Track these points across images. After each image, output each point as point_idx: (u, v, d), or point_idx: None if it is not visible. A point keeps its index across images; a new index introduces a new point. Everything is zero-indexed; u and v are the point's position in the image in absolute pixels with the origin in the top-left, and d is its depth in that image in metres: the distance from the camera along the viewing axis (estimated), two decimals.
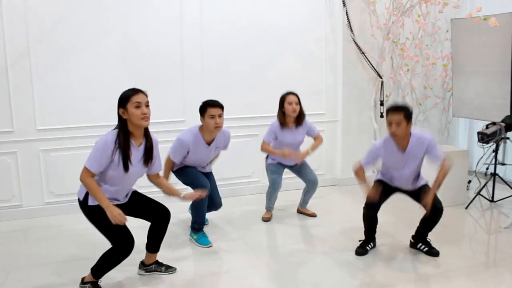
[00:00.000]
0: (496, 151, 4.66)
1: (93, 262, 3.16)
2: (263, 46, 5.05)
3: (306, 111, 4.27)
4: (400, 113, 3.24)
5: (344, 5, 5.24)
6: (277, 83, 4.98)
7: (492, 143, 4.45)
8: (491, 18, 4.30)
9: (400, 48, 5.51)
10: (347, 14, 5.25)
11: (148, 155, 2.93)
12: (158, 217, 3.09)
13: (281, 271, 3.29)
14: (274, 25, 5.08)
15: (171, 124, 4.74)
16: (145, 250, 3.22)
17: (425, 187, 3.49)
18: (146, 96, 2.84)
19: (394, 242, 3.77)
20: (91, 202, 2.83)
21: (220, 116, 3.59)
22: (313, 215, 4.45)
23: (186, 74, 4.80)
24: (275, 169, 4.26)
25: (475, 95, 5.01)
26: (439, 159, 3.40)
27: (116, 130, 2.82)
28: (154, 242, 3.17)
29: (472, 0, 5.63)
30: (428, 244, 3.55)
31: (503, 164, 4.97)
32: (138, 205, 3.08)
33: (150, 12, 4.62)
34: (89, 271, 2.94)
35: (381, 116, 5.56)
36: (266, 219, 4.34)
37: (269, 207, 4.41)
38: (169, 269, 3.24)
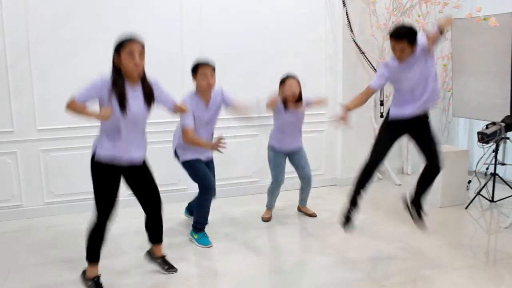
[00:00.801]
0: (496, 151, 4.66)
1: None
2: (263, 45, 5.05)
3: (306, 110, 4.26)
4: (403, 41, 3.13)
5: (344, 5, 5.24)
6: (277, 83, 4.97)
7: (492, 143, 4.45)
8: (491, 18, 4.30)
9: None
10: (347, 14, 5.25)
11: (148, 94, 2.88)
12: (149, 206, 3.08)
13: (281, 271, 3.29)
14: (274, 24, 5.08)
15: (170, 124, 4.73)
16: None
17: (431, 136, 3.43)
18: (142, 44, 2.78)
19: (394, 242, 3.77)
20: (96, 158, 2.87)
21: (212, 75, 3.55)
22: (313, 215, 4.45)
23: (186, 74, 4.78)
24: (277, 160, 4.20)
25: (475, 95, 5.01)
26: (434, 28, 3.22)
27: (109, 75, 2.80)
28: (152, 233, 3.19)
29: (472, 0, 5.63)
30: (419, 207, 3.55)
31: (503, 164, 4.97)
32: (139, 183, 3.04)
33: (150, 12, 4.62)
34: (89, 281, 3.00)
35: (381, 116, 5.56)
36: (266, 219, 4.33)
37: (270, 205, 4.40)
38: (170, 269, 3.23)
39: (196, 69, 3.57)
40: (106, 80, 2.75)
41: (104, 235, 2.96)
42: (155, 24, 4.64)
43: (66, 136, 4.46)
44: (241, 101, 3.77)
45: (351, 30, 5.30)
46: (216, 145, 3.47)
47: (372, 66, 5.44)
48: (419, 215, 3.57)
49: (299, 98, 4.10)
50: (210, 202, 3.73)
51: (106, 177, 2.87)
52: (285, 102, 4.08)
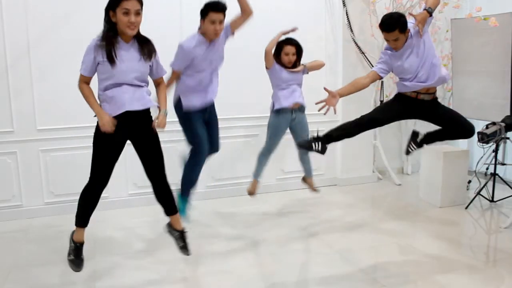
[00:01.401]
0: (496, 151, 4.66)
1: (93, 262, 3.17)
2: (263, 45, 5.03)
3: (306, 110, 4.27)
4: (395, 31, 3.17)
5: (344, 5, 5.24)
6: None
7: (492, 143, 4.45)
8: (491, 18, 4.30)
9: None
10: (347, 14, 5.25)
11: (145, 47, 2.86)
12: (152, 174, 3.00)
13: (280, 271, 3.29)
14: (274, 24, 5.06)
15: (170, 124, 4.71)
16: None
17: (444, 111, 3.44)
18: (140, 2, 2.74)
19: (393, 242, 3.77)
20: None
21: (221, 22, 3.36)
22: (315, 190, 4.44)
23: None
24: (277, 130, 4.15)
25: (475, 95, 5.01)
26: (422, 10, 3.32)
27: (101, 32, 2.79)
28: (163, 204, 3.09)
29: (472, 0, 5.63)
30: (420, 145, 3.61)
31: (503, 164, 4.97)
32: (144, 147, 2.98)
33: (150, 12, 4.58)
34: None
35: None
36: (251, 192, 4.25)
37: (257, 174, 4.30)
38: (183, 249, 3.13)
39: (205, 12, 3.35)
40: (97, 39, 2.77)
41: (96, 200, 2.97)
42: (155, 25, 4.62)
43: (66, 136, 4.46)
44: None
45: (351, 30, 5.30)
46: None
47: (372, 66, 5.44)
48: (416, 144, 3.60)
49: (296, 62, 4.11)
50: (200, 165, 3.55)
51: (110, 135, 2.83)
52: (282, 65, 4.09)
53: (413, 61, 3.31)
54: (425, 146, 3.58)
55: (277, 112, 4.17)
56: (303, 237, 3.98)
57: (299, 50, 4.13)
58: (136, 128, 2.93)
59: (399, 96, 3.54)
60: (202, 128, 3.60)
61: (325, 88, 3.34)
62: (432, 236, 3.83)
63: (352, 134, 3.42)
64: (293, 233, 4.04)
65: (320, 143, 3.40)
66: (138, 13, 2.73)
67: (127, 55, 2.80)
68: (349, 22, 5.28)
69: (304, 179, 4.56)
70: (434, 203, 4.65)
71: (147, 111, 2.97)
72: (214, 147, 3.81)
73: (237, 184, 5.12)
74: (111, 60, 2.74)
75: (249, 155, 4.93)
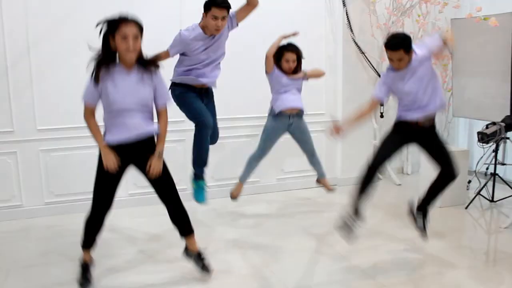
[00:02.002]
0: (496, 151, 4.66)
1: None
2: (263, 46, 5.02)
3: (306, 111, 4.27)
4: (400, 50, 3.11)
5: (344, 5, 5.24)
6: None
7: (492, 143, 4.45)
8: (491, 18, 4.30)
9: None
10: (347, 14, 5.25)
11: (146, 69, 2.79)
12: (167, 197, 2.95)
13: (280, 271, 3.29)
14: (274, 24, 5.07)
15: (171, 124, 4.72)
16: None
17: (442, 145, 3.40)
18: (138, 25, 2.71)
19: (393, 241, 3.77)
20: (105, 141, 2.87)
21: (224, 18, 3.30)
22: (330, 190, 4.48)
23: None
24: (272, 134, 4.12)
25: (475, 95, 5.01)
26: (437, 41, 3.27)
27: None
28: (178, 226, 3.04)
29: (472, 0, 5.63)
30: (425, 214, 3.49)
31: (503, 164, 4.97)
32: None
33: (150, 12, 4.61)
34: (79, 266, 3.05)
35: (381, 116, 5.56)
36: (234, 196, 4.20)
37: (244, 178, 4.25)
38: (204, 269, 3.09)
39: (208, 7, 3.28)
40: (95, 65, 2.77)
41: (98, 225, 2.95)
42: (155, 25, 4.63)
43: (66, 136, 4.46)
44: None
45: (351, 30, 5.30)
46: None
47: (372, 66, 5.44)
48: (423, 223, 3.50)
49: (296, 69, 4.10)
50: (206, 138, 3.46)
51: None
52: (282, 71, 4.08)
53: (414, 85, 3.25)
54: (428, 210, 3.52)
55: (274, 116, 4.15)
56: (303, 237, 3.98)
57: (299, 57, 4.11)
58: (138, 155, 2.88)
59: (398, 125, 3.46)
60: (199, 102, 3.50)
61: (331, 120, 3.35)
62: (432, 236, 3.83)
63: (365, 188, 3.40)
64: (293, 233, 4.04)
65: (351, 218, 3.38)
66: (137, 38, 2.70)
67: (125, 80, 2.75)
68: (349, 22, 5.28)
69: (318, 181, 4.58)
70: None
71: (149, 138, 2.91)
72: (213, 136, 3.72)
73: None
74: (96, 77, 2.73)
75: (247, 155, 4.93)
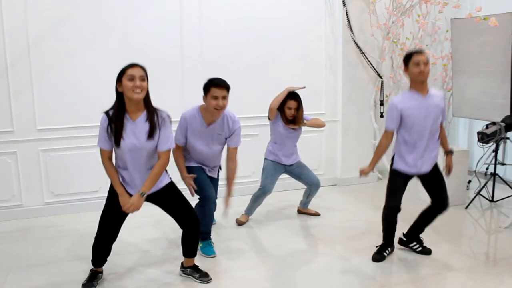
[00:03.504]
0: (496, 151, 4.66)
1: None
2: (263, 46, 5.05)
3: (306, 111, 4.27)
4: (425, 55, 3.21)
5: (344, 5, 5.24)
6: (277, 83, 4.97)
7: (492, 143, 4.45)
8: (491, 18, 4.30)
9: (400, 48, 5.52)
10: (347, 14, 5.25)
11: (150, 127, 2.80)
12: (187, 225, 3.02)
13: (280, 271, 3.29)
14: (274, 25, 5.08)
15: (174, 125, 4.73)
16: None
17: (438, 169, 3.44)
18: (144, 70, 2.78)
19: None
20: None
21: (224, 98, 3.32)
22: (316, 214, 4.46)
23: (186, 75, 4.80)
24: (272, 172, 4.20)
25: (475, 95, 5.01)
26: (444, 119, 3.40)
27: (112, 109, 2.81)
28: (186, 248, 3.12)
29: (472, 0, 5.63)
30: (421, 242, 3.56)
31: (503, 164, 4.97)
32: (170, 203, 3.01)
33: (150, 12, 4.62)
34: (89, 271, 3.05)
35: (381, 116, 5.56)
36: (240, 223, 4.25)
37: (250, 212, 4.34)
38: (202, 277, 3.13)
39: (208, 88, 3.35)
40: (106, 117, 2.80)
41: (107, 249, 3.04)
42: (155, 24, 4.64)
43: (66, 136, 4.46)
44: (233, 166, 3.60)
45: (351, 30, 5.30)
46: (187, 181, 3.44)
47: (372, 66, 5.44)
48: (423, 247, 3.56)
49: (297, 120, 4.11)
50: (210, 211, 3.58)
51: (116, 201, 2.87)
52: (283, 118, 4.10)
53: (430, 119, 3.24)
54: (421, 238, 3.60)
55: (271, 160, 4.23)
56: (303, 237, 3.98)
57: (300, 105, 4.10)
58: (154, 197, 2.96)
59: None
60: (204, 175, 3.59)
61: (361, 172, 3.40)
62: (432, 236, 3.83)
63: (393, 217, 3.43)
64: (293, 233, 4.04)
65: (388, 248, 3.51)
66: (143, 79, 2.75)
67: (131, 136, 2.79)
68: (349, 22, 5.28)
69: (299, 210, 4.57)
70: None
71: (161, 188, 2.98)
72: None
73: (238, 184, 5.10)
74: (117, 141, 2.77)
75: (249, 155, 4.93)
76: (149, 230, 4.07)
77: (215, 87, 3.30)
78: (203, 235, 3.60)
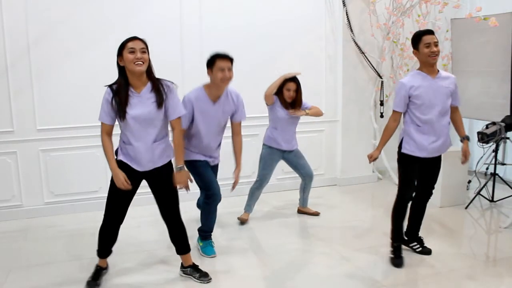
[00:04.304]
0: (496, 151, 4.66)
1: (93, 262, 3.17)
2: (263, 46, 5.05)
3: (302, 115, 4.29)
4: (434, 35, 3.14)
5: (344, 5, 5.24)
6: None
7: (492, 143, 4.45)
8: (491, 18, 4.30)
9: (400, 48, 5.52)
10: (347, 14, 5.25)
11: (158, 96, 2.81)
12: (168, 219, 3.03)
13: (280, 271, 3.29)
14: (274, 25, 5.08)
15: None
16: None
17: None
18: (144, 43, 2.77)
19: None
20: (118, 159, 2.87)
21: (230, 69, 3.33)
22: (316, 214, 4.46)
23: (186, 74, 4.80)
24: (269, 162, 4.19)
25: (475, 95, 5.01)
26: (458, 103, 3.35)
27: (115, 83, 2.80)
28: (177, 245, 3.13)
29: (472, 0, 5.63)
30: (421, 242, 3.56)
31: (503, 164, 4.97)
32: (157, 190, 2.98)
33: (150, 12, 4.62)
34: (88, 271, 3.03)
35: (381, 116, 5.56)
36: (243, 221, 4.26)
37: (249, 208, 4.33)
38: (202, 277, 3.12)
39: (212, 62, 3.33)
40: (109, 91, 2.80)
41: (114, 236, 3.01)
42: (155, 23, 4.64)
43: (66, 136, 4.46)
44: (240, 139, 3.69)
45: (351, 30, 5.30)
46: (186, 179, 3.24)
47: (372, 66, 5.44)
48: (423, 246, 3.55)
49: (297, 102, 4.10)
50: (215, 209, 3.56)
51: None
52: (282, 103, 4.09)
53: (430, 92, 3.18)
54: (421, 237, 3.61)
55: (269, 147, 4.20)
56: (303, 237, 3.98)
57: (299, 88, 4.09)
58: (152, 175, 2.94)
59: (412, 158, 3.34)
60: (210, 171, 3.57)
61: (369, 157, 3.41)
62: (432, 236, 3.83)
63: (402, 219, 3.39)
64: (293, 233, 4.04)
65: (399, 248, 3.41)
66: (144, 51, 2.76)
67: (138, 108, 2.78)
68: (349, 22, 5.28)
69: (299, 210, 4.57)
70: (434, 203, 4.64)
71: (164, 164, 2.96)
72: None
73: (238, 184, 5.12)
74: (122, 114, 2.76)
75: (249, 155, 4.93)
76: (149, 230, 4.07)
77: (221, 58, 3.31)
78: (205, 233, 3.61)
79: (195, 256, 3.44)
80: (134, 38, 2.76)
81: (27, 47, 4.27)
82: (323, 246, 3.74)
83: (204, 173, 3.50)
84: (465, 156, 3.46)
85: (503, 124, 4.32)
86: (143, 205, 4.60)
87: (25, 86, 4.31)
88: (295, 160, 4.28)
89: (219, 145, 3.69)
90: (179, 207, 3.05)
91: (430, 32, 3.15)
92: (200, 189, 3.64)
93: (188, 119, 3.36)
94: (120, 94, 2.75)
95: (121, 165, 2.86)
